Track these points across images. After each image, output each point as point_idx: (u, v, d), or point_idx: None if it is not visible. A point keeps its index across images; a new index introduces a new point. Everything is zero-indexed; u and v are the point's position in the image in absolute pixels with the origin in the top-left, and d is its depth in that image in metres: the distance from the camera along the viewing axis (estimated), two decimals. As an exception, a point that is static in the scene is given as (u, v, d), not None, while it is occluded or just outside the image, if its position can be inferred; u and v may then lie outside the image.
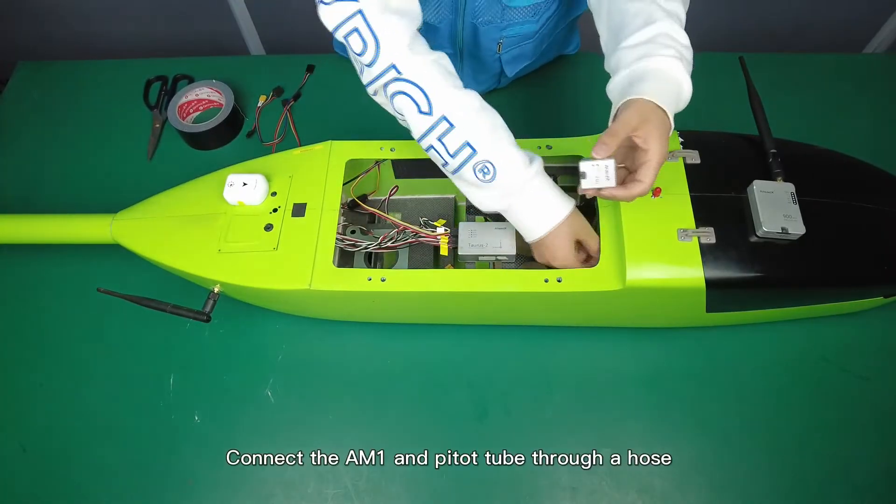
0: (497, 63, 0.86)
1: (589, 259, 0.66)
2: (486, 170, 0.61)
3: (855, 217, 0.64)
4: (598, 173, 0.56)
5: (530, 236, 0.64)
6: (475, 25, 0.79)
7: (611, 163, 0.56)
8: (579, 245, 0.65)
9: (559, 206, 0.63)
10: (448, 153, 0.61)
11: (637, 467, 0.66)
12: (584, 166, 0.56)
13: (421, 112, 0.61)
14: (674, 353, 0.73)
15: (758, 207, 0.61)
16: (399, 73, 0.60)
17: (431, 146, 0.62)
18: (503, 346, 0.74)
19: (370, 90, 0.64)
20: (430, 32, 0.80)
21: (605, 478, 0.66)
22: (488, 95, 0.95)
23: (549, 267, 0.65)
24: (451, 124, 0.60)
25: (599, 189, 0.57)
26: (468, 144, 0.60)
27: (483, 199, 0.63)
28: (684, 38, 0.61)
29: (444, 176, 0.79)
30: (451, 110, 0.60)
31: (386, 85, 0.61)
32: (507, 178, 0.61)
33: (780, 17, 1.33)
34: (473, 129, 0.61)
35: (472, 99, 0.62)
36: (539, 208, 0.62)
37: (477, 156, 0.60)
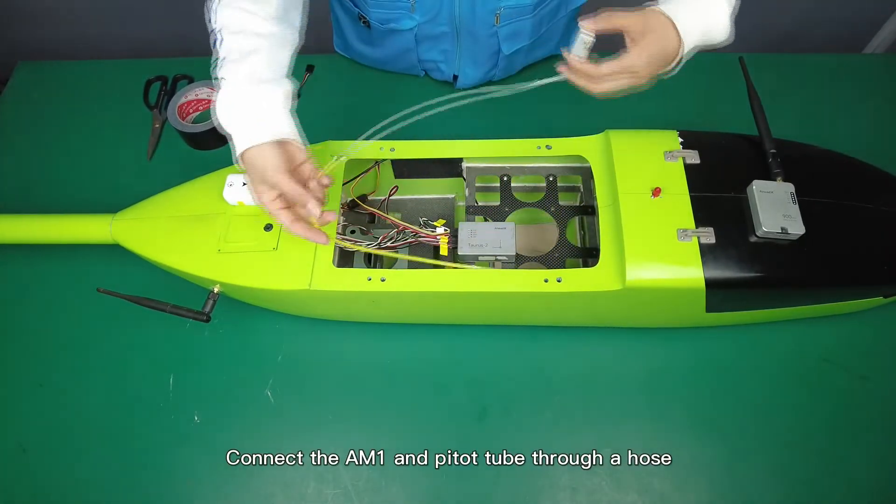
0: (494, 39, 0.86)
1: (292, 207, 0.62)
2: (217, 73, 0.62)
3: (855, 217, 0.64)
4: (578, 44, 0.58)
5: (234, 152, 0.62)
6: None
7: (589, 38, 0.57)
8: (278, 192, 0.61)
9: (250, 132, 0.60)
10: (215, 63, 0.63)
11: (637, 467, 0.66)
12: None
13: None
14: (674, 353, 0.73)
15: (757, 207, 0.61)
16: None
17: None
18: (503, 346, 0.74)
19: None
20: (425, 3, 0.80)
21: (605, 478, 0.66)
22: (483, 86, 0.95)
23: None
24: (220, 37, 0.63)
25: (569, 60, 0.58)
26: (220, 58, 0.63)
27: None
28: None
29: (444, 176, 0.79)
30: (225, 23, 0.63)
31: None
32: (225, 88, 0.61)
33: (780, 17, 1.33)
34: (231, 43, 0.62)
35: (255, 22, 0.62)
36: (241, 121, 0.61)
37: (218, 62, 0.62)
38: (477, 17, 0.82)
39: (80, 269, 0.82)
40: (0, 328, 0.79)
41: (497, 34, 0.85)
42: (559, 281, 0.62)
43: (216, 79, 0.62)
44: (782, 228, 0.60)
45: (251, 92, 0.61)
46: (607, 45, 0.64)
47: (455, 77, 0.93)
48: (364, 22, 0.87)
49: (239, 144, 0.60)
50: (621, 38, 0.60)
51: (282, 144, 0.61)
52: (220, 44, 0.63)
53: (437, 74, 0.95)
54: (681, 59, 0.61)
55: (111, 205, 0.76)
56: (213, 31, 0.63)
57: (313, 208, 0.60)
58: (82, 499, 0.68)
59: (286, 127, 0.61)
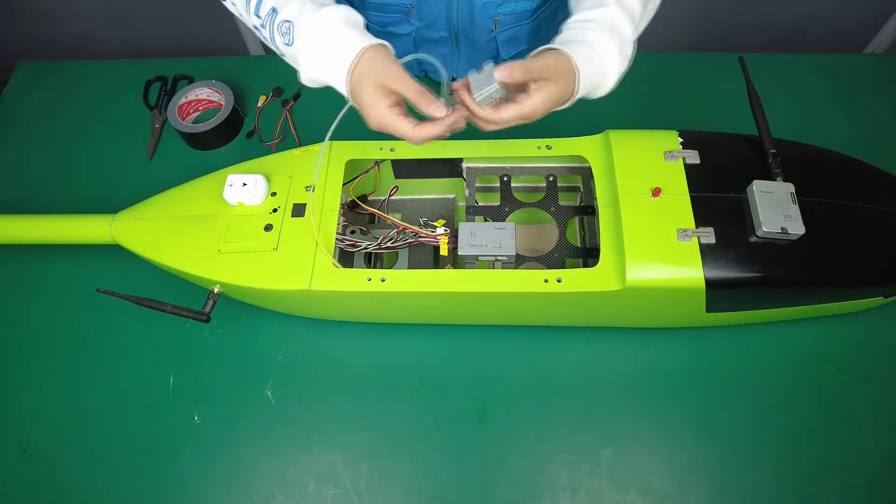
0: (493, 44, 0.86)
1: (416, 123, 0.59)
2: (286, 31, 0.61)
3: (855, 217, 0.64)
4: (480, 84, 0.57)
5: (346, 95, 0.60)
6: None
7: (490, 71, 0.56)
8: (395, 98, 0.59)
9: (347, 45, 0.58)
10: (261, 22, 0.63)
11: (637, 467, 0.66)
12: (471, 76, 0.57)
13: None
14: (674, 353, 0.73)
15: (757, 207, 0.61)
16: None
17: (255, 26, 0.64)
18: (503, 346, 0.74)
19: None
20: (424, 6, 0.80)
21: (605, 478, 0.66)
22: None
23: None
24: None
25: (482, 100, 0.57)
26: (273, 10, 0.62)
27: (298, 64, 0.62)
28: (627, 30, 0.63)
29: (444, 176, 0.79)
30: None
31: None
32: (298, 30, 0.60)
33: (780, 17, 1.33)
34: None
35: None
36: (328, 52, 0.59)
37: (278, 16, 0.61)
38: (475, 23, 0.82)
39: (80, 269, 0.82)
40: (0, 328, 0.79)
41: (496, 39, 0.85)
42: (559, 281, 0.62)
43: (278, 36, 0.62)
44: (782, 228, 0.60)
45: (324, 18, 0.59)
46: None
47: (454, 79, 0.93)
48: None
49: (344, 61, 0.58)
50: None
51: (384, 48, 0.59)
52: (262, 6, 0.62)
53: (436, 76, 0.95)
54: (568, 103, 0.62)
55: (111, 205, 0.76)
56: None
57: (437, 108, 0.57)
58: (82, 499, 0.68)
59: (373, 37, 0.60)
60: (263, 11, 0.63)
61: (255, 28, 0.65)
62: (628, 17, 0.63)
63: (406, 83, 0.57)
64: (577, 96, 0.61)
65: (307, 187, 0.70)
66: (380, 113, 0.57)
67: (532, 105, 0.57)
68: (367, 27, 0.63)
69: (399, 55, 0.83)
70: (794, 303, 0.67)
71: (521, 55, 0.90)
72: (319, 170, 0.71)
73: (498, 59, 0.89)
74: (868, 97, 0.93)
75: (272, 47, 0.66)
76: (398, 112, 0.58)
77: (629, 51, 0.63)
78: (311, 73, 0.62)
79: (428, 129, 0.57)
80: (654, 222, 0.62)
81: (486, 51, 0.87)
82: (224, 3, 0.69)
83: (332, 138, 0.74)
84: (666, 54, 0.97)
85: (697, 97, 0.93)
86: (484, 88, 0.57)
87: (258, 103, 0.96)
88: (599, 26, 0.62)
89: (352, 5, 0.87)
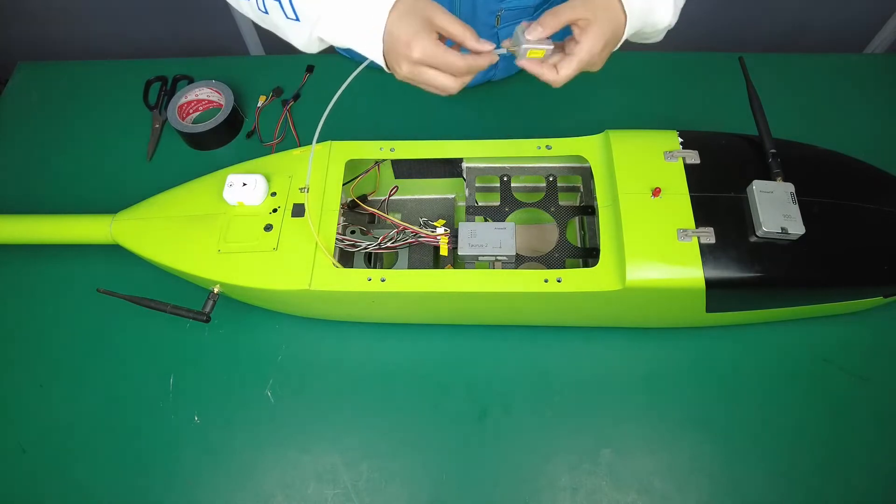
0: (495, 40, 0.85)
1: (461, 51, 0.57)
2: None
3: (855, 217, 0.64)
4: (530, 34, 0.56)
5: (373, 40, 0.57)
6: None
7: (549, 46, 0.56)
8: (439, 35, 0.57)
9: None
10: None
11: (637, 467, 0.66)
12: (518, 28, 0.56)
13: None
14: (673, 353, 0.73)
15: (757, 207, 0.61)
16: None
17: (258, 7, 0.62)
18: (503, 346, 0.74)
19: None
20: None
21: (605, 478, 0.66)
22: (484, 86, 0.95)
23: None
24: None
25: (533, 48, 0.56)
26: None
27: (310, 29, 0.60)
28: None
29: (444, 176, 0.79)
30: None
31: None
32: None
33: (780, 17, 1.33)
34: None
35: None
36: None
37: None
38: (477, 19, 0.82)
39: (80, 269, 0.82)
40: (0, 328, 0.79)
41: (497, 35, 0.84)
42: (559, 281, 0.62)
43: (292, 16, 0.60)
44: (782, 228, 0.60)
45: None
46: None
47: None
48: None
49: (384, 4, 0.56)
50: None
51: None
52: None
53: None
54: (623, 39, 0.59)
55: (111, 205, 0.76)
56: None
57: (485, 44, 0.56)
58: (82, 499, 0.68)
59: None
60: None
61: (259, 3, 0.63)
62: None
63: (453, 18, 0.56)
64: (630, 25, 0.57)
65: (301, 188, 0.70)
66: (426, 44, 0.55)
67: (587, 50, 0.56)
68: None
69: None
70: (794, 303, 0.67)
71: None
72: (319, 169, 0.71)
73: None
74: (868, 97, 0.93)
75: (277, 16, 0.62)
76: (443, 48, 0.56)
77: None
78: (335, 26, 0.59)
79: (477, 59, 0.57)
80: (654, 222, 0.62)
81: None
82: None
83: (331, 138, 0.74)
84: (666, 54, 0.97)
85: (697, 97, 0.93)
86: (520, 48, 0.56)
87: (258, 103, 0.96)
88: None
89: None
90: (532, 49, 0.56)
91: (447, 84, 0.57)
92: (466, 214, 0.73)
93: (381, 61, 0.59)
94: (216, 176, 0.74)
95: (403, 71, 0.57)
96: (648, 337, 0.74)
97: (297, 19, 0.62)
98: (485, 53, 0.57)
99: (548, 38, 0.56)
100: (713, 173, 0.65)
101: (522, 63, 0.58)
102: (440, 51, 0.55)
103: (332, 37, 0.61)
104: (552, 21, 0.56)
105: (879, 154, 0.73)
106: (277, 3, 0.62)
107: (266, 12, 0.64)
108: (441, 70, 0.57)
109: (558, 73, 0.57)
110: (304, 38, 0.63)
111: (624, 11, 0.57)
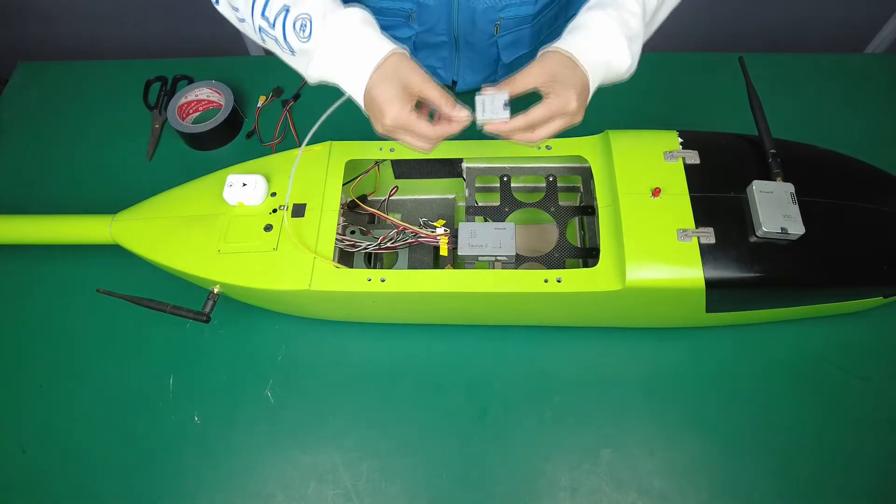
0: (494, 48, 0.85)
1: (432, 117, 0.60)
2: (303, 25, 0.60)
3: (855, 217, 0.64)
4: (488, 104, 0.58)
5: (356, 92, 0.59)
6: (472, 2, 0.78)
7: (502, 95, 0.58)
8: (413, 102, 0.59)
9: (375, 45, 0.59)
10: (269, 23, 0.62)
11: (637, 467, 0.66)
12: (478, 99, 0.58)
13: None
14: (674, 353, 0.73)
15: (757, 207, 0.61)
16: None
17: (260, 27, 0.63)
18: (503, 346, 0.74)
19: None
20: (424, 11, 0.80)
21: (605, 478, 0.66)
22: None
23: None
24: None
25: (488, 121, 0.58)
26: (285, 7, 0.61)
27: (308, 62, 0.61)
28: (636, 9, 0.62)
29: (444, 176, 0.79)
30: None
31: None
32: (320, 24, 0.59)
33: (780, 17, 1.33)
34: None
35: None
36: (349, 53, 0.59)
37: (292, 12, 0.61)
38: (476, 28, 0.82)
39: (80, 269, 0.82)
40: (0, 328, 0.79)
41: (497, 43, 0.85)
42: (559, 281, 0.62)
43: (291, 32, 0.61)
44: (782, 228, 0.60)
45: (350, 16, 0.60)
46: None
47: (454, 82, 0.93)
48: None
49: (369, 60, 0.58)
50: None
51: (407, 53, 0.60)
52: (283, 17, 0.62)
53: (435, 78, 0.94)
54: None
55: (111, 205, 0.76)
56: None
57: (460, 110, 0.58)
58: (82, 499, 0.68)
59: (390, 41, 0.60)
60: (272, 11, 0.62)
61: (260, 30, 0.65)
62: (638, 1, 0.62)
63: (433, 86, 0.59)
64: (592, 78, 0.59)
65: (274, 209, 0.69)
66: (399, 113, 0.57)
67: (558, 101, 0.58)
68: None
69: None
70: (794, 303, 0.67)
71: (522, 59, 0.90)
72: (319, 169, 0.71)
73: (498, 63, 0.89)
74: (868, 97, 0.93)
75: (275, 48, 0.65)
76: (417, 115, 0.59)
77: (637, 26, 0.62)
78: (324, 69, 0.61)
79: (445, 127, 0.59)
80: (654, 222, 0.62)
81: (487, 54, 0.87)
82: (217, 6, 0.68)
83: (331, 139, 0.74)
84: (666, 54, 0.97)
85: (697, 97, 0.93)
86: (485, 107, 0.58)
87: (258, 103, 0.96)
88: (602, 7, 0.61)
89: None
90: (489, 121, 0.58)
91: (420, 145, 0.60)
92: (466, 214, 0.73)
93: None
94: (216, 176, 0.74)
95: (378, 130, 0.60)
96: (648, 337, 0.74)
97: (293, 53, 0.64)
98: (456, 121, 0.59)
99: (505, 104, 0.58)
100: (713, 173, 0.65)
101: (490, 130, 0.60)
102: (411, 119, 0.58)
103: (325, 78, 0.63)
104: (509, 89, 0.58)
105: (879, 154, 0.73)
106: (273, 39, 0.64)
107: (264, 42, 0.66)
108: (413, 135, 0.59)
109: (526, 115, 0.58)
110: (301, 71, 0.65)
111: (582, 67, 0.59)
